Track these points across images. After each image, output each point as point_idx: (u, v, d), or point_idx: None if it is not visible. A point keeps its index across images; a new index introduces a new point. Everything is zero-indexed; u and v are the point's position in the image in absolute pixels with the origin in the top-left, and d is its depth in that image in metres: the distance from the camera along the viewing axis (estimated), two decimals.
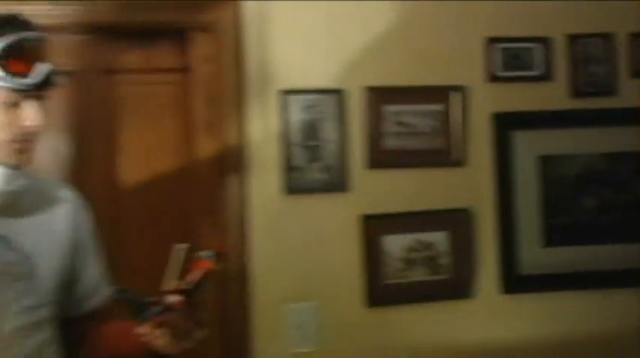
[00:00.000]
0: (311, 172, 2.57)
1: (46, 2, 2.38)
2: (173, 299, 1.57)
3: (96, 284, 1.90)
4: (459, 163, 2.62)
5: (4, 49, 1.57)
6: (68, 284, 1.82)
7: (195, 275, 1.61)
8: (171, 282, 1.60)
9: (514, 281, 2.60)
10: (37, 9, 2.24)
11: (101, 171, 2.63)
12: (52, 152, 2.61)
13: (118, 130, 2.66)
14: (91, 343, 1.86)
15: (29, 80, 1.59)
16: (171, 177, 2.68)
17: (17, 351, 1.65)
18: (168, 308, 1.55)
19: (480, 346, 2.62)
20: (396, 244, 2.57)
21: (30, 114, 1.62)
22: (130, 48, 2.66)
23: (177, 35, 2.62)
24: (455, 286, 2.61)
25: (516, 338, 2.61)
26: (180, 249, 1.61)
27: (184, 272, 1.60)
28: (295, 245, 2.56)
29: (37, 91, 1.63)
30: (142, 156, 2.67)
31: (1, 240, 1.68)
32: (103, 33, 2.58)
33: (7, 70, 1.57)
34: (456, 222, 2.60)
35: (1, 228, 1.68)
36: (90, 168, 2.62)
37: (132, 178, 2.67)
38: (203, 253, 1.65)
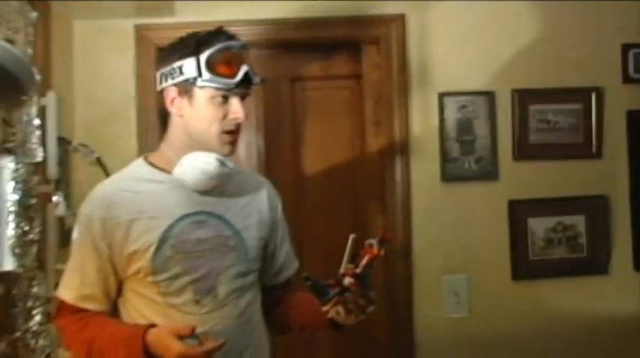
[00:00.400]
0: (465, 163, 2.86)
1: (244, 23, 2.75)
2: (349, 281, 1.75)
3: (288, 259, 2.15)
4: (596, 155, 2.85)
5: (212, 55, 1.80)
6: (267, 256, 2.07)
7: (365, 260, 1.76)
8: (347, 267, 1.76)
9: None
10: (236, 29, 2.70)
11: (288, 162, 2.97)
12: (249, 146, 2.98)
13: (302, 128, 3.00)
14: (282, 309, 2.09)
15: (233, 80, 1.81)
16: (346, 167, 2.99)
17: (231, 309, 1.89)
18: (346, 289, 1.74)
19: (614, 318, 2.84)
20: (539, 226, 2.84)
21: (236, 108, 1.85)
22: (311, 59, 3.00)
23: (351, 47, 2.94)
24: (591, 264, 2.85)
25: None
26: (353, 238, 1.77)
27: (356, 257, 1.77)
28: (451, 225, 2.84)
29: (240, 90, 1.85)
30: (321, 149, 3.01)
31: (219, 218, 1.90)
32: (289, 47, 2.93)
33: (215, 73, 1.80)
34: (593, 207, 2.84)
35: (218, 209, 1.91)
36: (278, 159, 2.98)
37: (313, 169, 3.01)
38: (371, 241, 1.79)
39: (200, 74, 1.80)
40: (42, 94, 2.47)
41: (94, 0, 2.64)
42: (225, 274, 1.89)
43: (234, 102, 1.84)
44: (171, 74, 1.85)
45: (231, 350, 1.81)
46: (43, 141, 2.48)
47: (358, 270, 1.72)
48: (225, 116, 1.84)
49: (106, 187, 1.90)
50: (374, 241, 1.75)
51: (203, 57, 1.79)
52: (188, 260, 1.86)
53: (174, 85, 1.84)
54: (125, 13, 2.76)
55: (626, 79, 2.85)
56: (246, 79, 1.83)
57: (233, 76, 1.80)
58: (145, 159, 1.96)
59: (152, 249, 1.81)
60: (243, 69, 1.81)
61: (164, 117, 1.95)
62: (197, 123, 1.86)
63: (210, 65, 1.79)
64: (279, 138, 2.98)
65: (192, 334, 1.68)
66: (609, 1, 2.84)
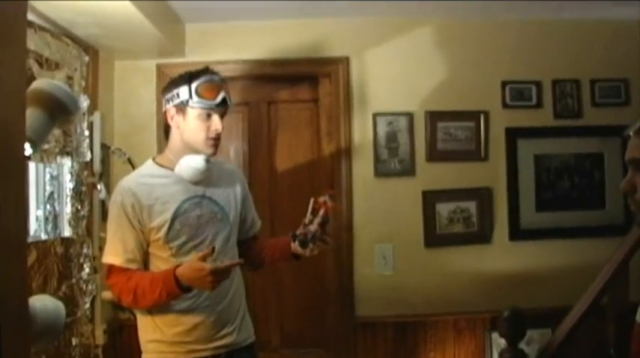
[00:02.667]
0: (391, 163, 3.47)
1: (233, 62, 3.43)
2: (314, 228, 2.23)
3: (254, 220, 2.56)
4: (484, 159, 3.49)
5: (199, 84, 2.20)
6: (240, 220, 2.44)
7: (322, 211, 2.22)
8: (309, 218, 2.24)
9: (517, 233, 3.48)
10: (228, 66, 3.36)
11: (264, 162, 3.61)
12: (237, 150, 3.61)
13: (275, 137, 3.63)
14: (256, 252, 2.50)
15: (214, 102, 2.21)
16: (307, 165, 3.61)
17: (222, 262, 2.18)
18: (313, 234, 2.23)
19: (496, 273, 3.44)
20: (444, 209, 3.48)
21: (216, 122, 2.24)
22: (282, 88, 3.62)
23: (310, 79, 3.57)
24: (480, 236, 3.49)
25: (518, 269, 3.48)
26: (312, 200, 2.25)
27: (314, 211, 2.24)
28: (381, 208, 3.47)
29: (219, 109, 2.24)
30: (288, 153, 3.63)
31: (209, 199, 2.30)
32: (266, 79, 3.58)
33: (201, 97, 2.19)
34: (481, 195, 3.49)
35: (207, 193, 2.30)
36: (258, 160, 3.61)
37: (282, 166, 3.63)
38: (323, 197, 2.27)
39: (191, 97, 2.20)
40: (91, 113, 3.13)
41: (128, 47, 3.31)
42: (216, 238, 2.28)
43: (215, 119, 2.24)
44: (172, 99, 2.25)
45: (222, 288, 2.19)
46: (90, 147, 3.13)
47: (319, 219, 2.22)
48: (209, 128, 2.23)
49: (129, 181, 2.28)
50: (325, 197, 2.27)
51: (193, 85, 2.19)
52: (191, 230, 2.24)
53: (174, 106, 2.25)
54: (151, 55, 3.43)
55: (505, 105, 3.51)
56: (224, 102, 2.23)
57: (214, 99, 2.21)
58: (154, 160, 2.37)
59: (167, 225, 2.20)
60: (222, 94, 2.23)
61: (166, 130, 2.35)
62: (189, 133, 2.25)
63: (198, 91, 2.19)
64: (258, 145, 3.62)
65: (213, 253, 2.07)
66: (494, 48, 3.53)
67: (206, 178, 2.31)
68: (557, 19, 3.54)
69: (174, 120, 2.28)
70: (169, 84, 2.32)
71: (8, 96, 1.12)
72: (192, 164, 2.24)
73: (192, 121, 2.24)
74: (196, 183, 2.28)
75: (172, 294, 2.12)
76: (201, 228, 2.26)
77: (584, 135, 3.58)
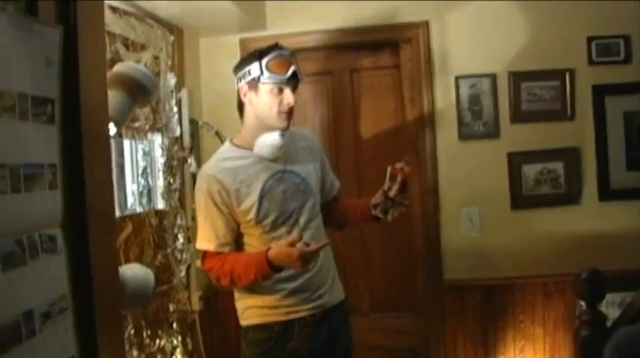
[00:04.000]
0: (475, 126, 3.46)
1: (315, 32, 3.51)
2: (394, 194, 2.29)
3: (333, 182, 2.63)
4: (570, 118, 3.41)
5: (269, 60, 2.26)
6: (321, 186, 2.53)
7: (400, 177, 2.28)
8: (387, 184, 2.31)
9: (607, 193, 3.38)
10: (310, 37, 3.47)
11: (349, 129, 3.69)
12: (322, 118, 3.69)
13: (358, 105, 3.69)
14: (339, 213, 2.60)
15: (284, 76, 2.25)
16: (390, 131, 3.65)
17: (310, 231, 2.37)
18: (393, 200, 2.30)
19: (585, 235, 3.36)
20: (530, 170, 3.43)
21: (288, 96, 2.28)
22: (364, 55, 3.67)
23: (391, 46, 3.60)
24: (568, 197, 3.42)
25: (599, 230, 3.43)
26: (390, 168, 2.31)
27: (392, 177, 2.31)
28: (466, 171, 3.47)
29: (290, 83, 2.28)
30: (372, 119, 3.68)
31: (290, 173, 2.38)
32: (348, 47, 3.63)
33: (271, 72, 2.25)
34: (568, 156, 3.40)
35: (287, 166, 2.38)
36: (343, 127, 3.69)
37: (367, 133, 3.70)
38: (399, 164, 2.32)
39: (262, 73, 2.25)
40: (178, 90, 3.25)
41: (209, 25, 3.43)
42: (303, 209, 2.38)
43: (287, 92, 2.28)
44: (244, 76, 2.32)
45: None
46: (180, 122, 3.25)
47: (397, 186, 2.29)
48: (281, 102, 2.29)
49: (212, 168, 2.36)
50: (402, 164, 2.32)
51: (264, 62, 2.25)
52: (279, 206, 2.33)
53: (246, 83, 2.31)
54: (233, 30, 3.53)
55: (591, 62, 3.38)
56: (294, 76, 2.28)
57: (285, 73, 2.26)
58: (231, 141, 2.44)
59: (255, 206, 2.30)
60: (292, 68, 2.27)
61: (240, 108, 2.41)
62: (262, 108, 2.31)
63: (269, 67, 2.25)
64: (342, 113, 3.69)
65: (301, 240, 2.14)
66: (578, 3, 3.39)
67: (285, 153, 2.38)
68: None
69: (247, 97, 2.34)
70: (240, 62, 2.38)
71: (91, 80, 1.23)
72: (268, 142, 2.30)
73: (265, 96, 2.29)
74: (275, 159, 2.36)
75: (266, 276, 2.22)
76: (287, 202, 2.34)
77: None
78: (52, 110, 1.12)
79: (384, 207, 2.31)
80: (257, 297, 2.37)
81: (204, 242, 2.32)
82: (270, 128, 2.31)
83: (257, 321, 2.39)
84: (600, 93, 3.44)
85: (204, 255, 2.34)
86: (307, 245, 2.14)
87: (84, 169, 1.19)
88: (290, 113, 2.32)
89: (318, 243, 2.19)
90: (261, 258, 2.20)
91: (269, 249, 2.20)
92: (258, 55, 2.29)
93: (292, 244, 2.14)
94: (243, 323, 2.44)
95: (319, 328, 2.40)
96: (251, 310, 2.41)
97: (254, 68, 2.28)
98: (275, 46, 2.31)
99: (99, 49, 1.30)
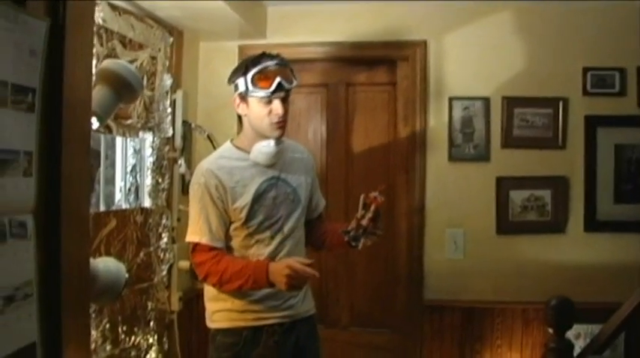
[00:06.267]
0: (466, 148, 3.46)
1: (314, 44, 3.52)
2: (366, 223, 2.28)
3: (320, 200, 2.66)
4: (561, 147, 3.40)
5: (254, 75, 2.26)
6: (308, 201, 2.54)
7: (373, 206, 2.27)
8: (361, 213, 2.30)
9: (593, 224, 3.38)
10: (308, 49, 3.49)
11: (342, 143, 3.69)
12: (315, 131, 3.69)
13: (352, 119, 3.69)
14: (318, 235, 2.58)
15: (269, 90, 2.27)
16: (382, 148, 3.65)
17: (292, 240, 2.41)
18: (365, 228, 2.28)
19: (569, 264, 3.36)
20: (517, 196, 3.43)
21: (276, 107, 2.30)
22: (360, 70, 3.67)
23: (388, 63, 3.61)
24: (554, 225, 3.42)
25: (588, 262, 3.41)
26: (362, 196, 2.31)
27: (366, 206, 2.29)
28: (454, 193, 3.48)
29: (278, 94, 2.29)
30: (365, 135, 3.69)
31: (282, 181, 2.42)
32: (345, 62, 3.64)
33: (256, 86, 2.27)
34: (557, 184, 3.40)
35: (281, 175, 2.41)
36: (336, 141, 3.69)
37: (359, 148, 3.70)
38: (374, 193, 2.30)
39: (247, 88, 2.28)
40: (174, 91, 3.27)
41: (209, 29, 3.45)
42: (289, 218, 2.42)
43: (275, 103, 2.31)
44: (235, 88, 2.35)
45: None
46: (172, 123, 3.27)
47: (370, 214, 2.27)
48: (270, 112, 2.31)
49: (210, 163, 2.37)
50: (376, 193, 2.31)
51: (249, 76, 2.27)
52: (267, 210, 2.37)
53: (237, 95, 2.35)
54: (233, 36, 3.56)
55: (585, 93, 3.41)
56: (279, 87, 2.28)
57: (269, 87, 2.27)
58: (232, 142, 2.46)
59: (248, 206, 2.33)
60: (277, 80, 2.27)
61: (239, 115, 2.47)
62: (254, 119, 2.35)
63: (254, 81, 2.27)
64: (336, 126, 3.71)
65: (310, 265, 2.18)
66: (576, 34, 3.43)
67: (280, 161, 2.42)
68: None
69: (240, 108, 2.38)
70: (231, 73, 2.40)
71: (76, 74, 1.26)
72: (263, 149, 2.34)
73: (255, 108, 2.33)
74: (270, 166, 2.39)
75: (258, 283, 2.24)
76: (276, 208, 2.38)
77: None
78: (33, 99, 1.14)
79: (355, 235, 2.30)
80: (227, 301, 2.38)
81: (197, 235, 2.32)
82: (264, 137, 2.35)
83: (226, 325, 2.41)
84: (593, 123, 3.45)
85: (195, 248, 2.34)
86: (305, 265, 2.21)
87: (61, 159, 1.20)
88: (281, 122, 2.34)
89: (311, 272, 2.21)
90: (261, 265, 2.25)
91: (270, 261, 2.28)
92: (244, 68, 2.32)
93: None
94: (212, 325, 2.45)
95: (287, 337, 2.42)
96: (220, 313, 2.42)
97: (241, 83, 2.32)
98: (262, 57, 2.33)
99: (86, 44, 1.33)
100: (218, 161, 2.39)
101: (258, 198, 2.34)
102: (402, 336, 3.54)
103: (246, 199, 2.32)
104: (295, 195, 2.46)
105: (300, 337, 2.47)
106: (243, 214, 2.32)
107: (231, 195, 2.32)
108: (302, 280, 2.20)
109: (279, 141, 2.37)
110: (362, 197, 2.32)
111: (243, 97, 2.34)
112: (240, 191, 2.33)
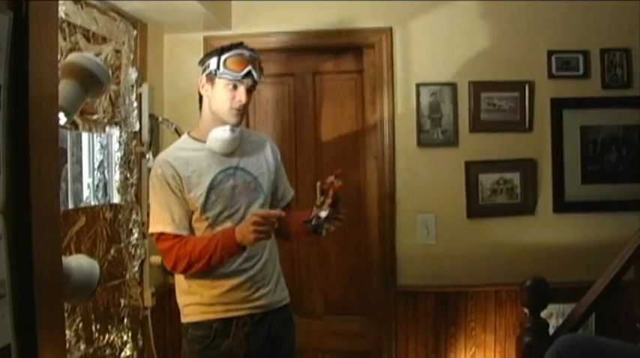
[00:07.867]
0: (434, 134, 3.48)
1: (280, 34, 3.52)
2: (326, 207, 2.24)
3: (287, 190, 2.65)
4: (528, 129, 3.44)
5: (228, 57, 2.31)
6: (273, 191, 2.54)
7: (331, 191, 2.24)
8: (320, 199, 2.25)
9: (561, 205, 3.44)
10: (274, 38, 3.48)
11: (310, 131, 3.68)
12: (283, 120, 3.67)
13: (320, 107, 3.68)
14: (284, 223, 2.45)
15: (239, 74, 2.31)
16: (351, 135, 3.65)
17: None
18: (326, 216, 2.23)
19: (538, 245, 3.41)
20: (487, 180, 3.46)
21: (240, 94, 2.33)
22: (327, 59, 3.66)
23: (355, 50, 3.60)
24: (523, 207, 3.46)
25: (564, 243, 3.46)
26: (319, 184, 2.26)
27: (324, 191, 2.24)
28: (424, 178, 3.50)
29: (244, 81, 2.33)
30: (333, 122, 3.68)
31: (242, 170, 2.41)
32: (312, 50, 3.62)
33: (228, 68, 2.30)
34: (525, 167, 3.44)
35: (240, 164, 2.41)
36: (304, 129, 3.68)
37: (328, 136, 3.69)
38: (330, 178, 2.26)
39: (218, 68, 2.31)
40: (139, 85, 3.23)
41: (174, 21, 3.41)
42: (251, 208, 2.40)
43: (241, 90, 2.34)
44: (204, 69, 2.38)
45: (255, 252, 2.38)
46: (139, 117, 3.23)
47: (329, 200, 2.24)
48: (233, 98, 2.34)
49: (167, 155, 2.40)
50: (332, 178, 2.25)
51: (223, 57, 2.31)
52: (226, 200, 2.36)
53: (205, 75, 2.37)
54: (197, 28, 3.51)
55: (550, 76, 3.44)
56: (249, 75, 2.32)
57: (240, 71, 2.31)
58: (189, 134, 2.48)
59: (203, 196, 2.32)
60: (248, 68, 2.32)
61: (200, 101, 2.46)
62: (215, 102, 2.36)
63: (226, 63, 2.31)
64: (304, 115, 3.68)
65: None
66: (540, 18, 3.46)
67: (239, 149, 2.43)
68: None
69: (205, 89, 2.40)
70: (205, 55, 2.45)
71: (41, 69, 1.23)
72: (218, 136, 2.34)
73: (219, 91, 2.35)
74: (230, 154, 2.40)
75: (227, 249, 2.22)
76: (235, 197, 2.38)
77: (633, 106, 3.47)
78: None
79: (317, 223, 2.26)
80: (196, 294, 2.39)
81: (160, 225, 2.32)
82: (222, 122, 2.35)
83: (196, 318, 2.41)
84: (558, 106, 3.49)
85: (159, 238, 2.34)
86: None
87: (29, 156, 1.18)
88: (241, 110, 2.36)
89: (276, 211, 2.25)
90: (227, 231, 2.25)
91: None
92: (220, 50, 2.35)
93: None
94: (184, 320, 2.46)
95: (258, 329, 2.42)
96: (191, 307, 2.42)
97: (213, 62, 2.34)
98: (239, 45, 2.37)
99: (50, 38, 1.29)
100: (175, 152, 2.40)
101: (214, 188, 2.34)
102: (377, 323, 3.56)
103: (201, 189, 2.32)
104: (256, 183, 2.45)
105: (273, 327, 2.47)
106: (199, 204, 2.32)
107: (186, 185, 2.32)
108: (269, 224, 2.18)
109: (234, 128, 2.37)
110: (318, 184, 2.29)
111: (210, 78, 2.35)
112: (195, 181, 2.33)
